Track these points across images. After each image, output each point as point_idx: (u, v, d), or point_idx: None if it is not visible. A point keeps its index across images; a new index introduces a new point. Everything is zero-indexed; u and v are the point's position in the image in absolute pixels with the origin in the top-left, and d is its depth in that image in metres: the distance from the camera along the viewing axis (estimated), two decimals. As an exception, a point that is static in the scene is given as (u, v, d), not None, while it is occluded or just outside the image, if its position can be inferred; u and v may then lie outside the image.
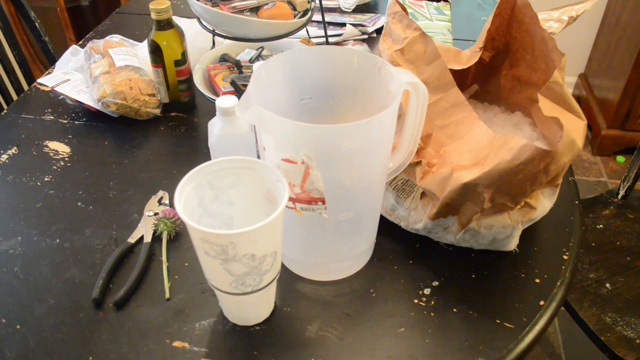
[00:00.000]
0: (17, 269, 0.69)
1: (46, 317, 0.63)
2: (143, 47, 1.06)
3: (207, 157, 0.85)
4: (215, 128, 0.68)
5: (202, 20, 0.96)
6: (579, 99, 2.33)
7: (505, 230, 0.68)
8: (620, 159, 2.16)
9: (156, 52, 0.90)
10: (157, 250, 0.71)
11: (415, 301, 0.66)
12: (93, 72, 0.94)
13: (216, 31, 0.95)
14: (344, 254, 0.67)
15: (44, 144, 0.90)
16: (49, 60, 1.33)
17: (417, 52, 0.68)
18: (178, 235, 0.73)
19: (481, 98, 0.83)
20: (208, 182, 0.57)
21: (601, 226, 1.21)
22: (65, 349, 0.60)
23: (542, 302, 0.65)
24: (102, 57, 0.96)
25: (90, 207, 0.78)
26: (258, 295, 0.58)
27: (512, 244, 0.70)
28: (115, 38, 1.05)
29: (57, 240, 0.73)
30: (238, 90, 0.91)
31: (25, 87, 1.33)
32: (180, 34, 0.91)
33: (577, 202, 0.80)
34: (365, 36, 1.14)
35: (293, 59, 0.63)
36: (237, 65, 0.94)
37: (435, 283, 0.68)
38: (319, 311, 0.64)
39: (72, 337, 0.61)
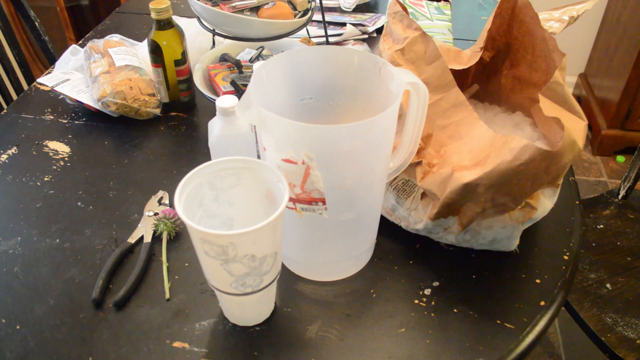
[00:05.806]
0: (17, 269, 0.69)
1: (46, 317, 0.63)
2: (143, 47, 1.05)
3: (207, 157, 0.85)
4: (215, 128, 0.68)
5: (202, 20, 0.96)
6: (579, 99, 2.33)
7: (505, 230, 0.68)
8: (621, 159, 2.16)
9: (156, 52, 0.90)
10: (157, 250, 0.71)
11: (416, 301, 0.65)
12: (93, 72, 0.94)
13: (216, 31, 0.95)
14: (344, 254, 0.67)
15: (44, 143, 0.90)
16: (49, 60, 1.33)
17: (417, 52, 0.68)
18: (178, 236, 0.73)
19: (482, 98, 0.83)
20: (208, 182, 0.57)
21: (602, 226, 1.21)
22: (65, 349, 0.60)
23: (542, 303, 0.65)
24: (102, 56, 0.96)
25: (90, 207, 0.78)
26: (258, 296, 0.58)
27: (513, 245, 0.70)
28: (115, 38, 1.05)
29: (57, 240, 0.73)
30: (238, 90, 0.90)
31: (25, 86, 1.33)
32: (180, 34, 0.91)
33: (577, 202, 0.80)
34: (366, 36, 1.14)
35: (293, 59, 0.63)
36: (237, 65, 0.94)
37: (436, 283, 0.68)
38: (319, 311, 0.64)
39: (72, 337, 0.61)
